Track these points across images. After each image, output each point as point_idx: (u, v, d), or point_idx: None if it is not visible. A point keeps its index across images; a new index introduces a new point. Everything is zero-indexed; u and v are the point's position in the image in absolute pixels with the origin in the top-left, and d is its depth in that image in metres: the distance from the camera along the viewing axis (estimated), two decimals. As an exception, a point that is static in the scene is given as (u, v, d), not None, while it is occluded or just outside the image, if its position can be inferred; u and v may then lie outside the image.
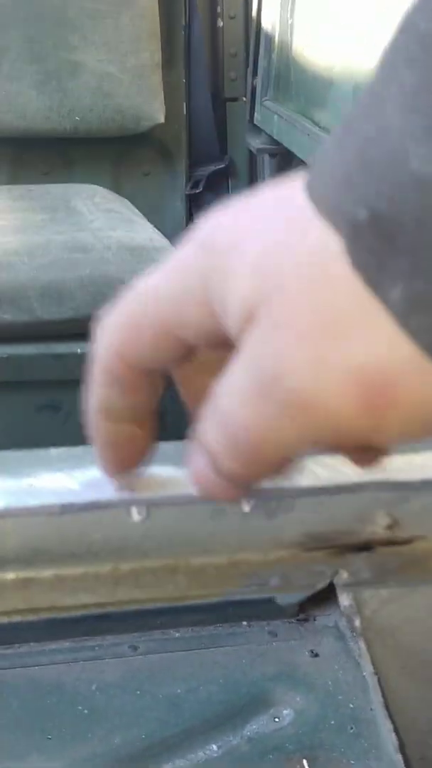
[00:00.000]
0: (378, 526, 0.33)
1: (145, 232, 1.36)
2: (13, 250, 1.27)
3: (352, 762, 0.89)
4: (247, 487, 0.27)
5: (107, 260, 1.25)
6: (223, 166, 1.90)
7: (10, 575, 0.27)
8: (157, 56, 1.71)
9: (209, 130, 1.87)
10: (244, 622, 1.18)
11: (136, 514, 0.28)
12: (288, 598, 0.38)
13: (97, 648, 1.07)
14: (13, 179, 1.75)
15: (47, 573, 0.28)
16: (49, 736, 0.92)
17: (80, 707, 0.98)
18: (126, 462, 0.27)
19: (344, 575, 0.35)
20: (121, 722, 0.95)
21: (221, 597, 0.30)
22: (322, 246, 0.23)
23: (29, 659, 1.02)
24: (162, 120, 1.72)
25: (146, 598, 0.29)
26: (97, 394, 0.28)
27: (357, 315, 0.22)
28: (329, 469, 0.31)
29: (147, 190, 1.82)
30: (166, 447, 0.30)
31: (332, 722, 0.92)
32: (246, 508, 0.30)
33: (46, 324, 1.23)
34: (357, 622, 0.39)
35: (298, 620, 1.10)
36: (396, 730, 0.45)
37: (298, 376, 0.23)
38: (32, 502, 0.26)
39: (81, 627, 1.10)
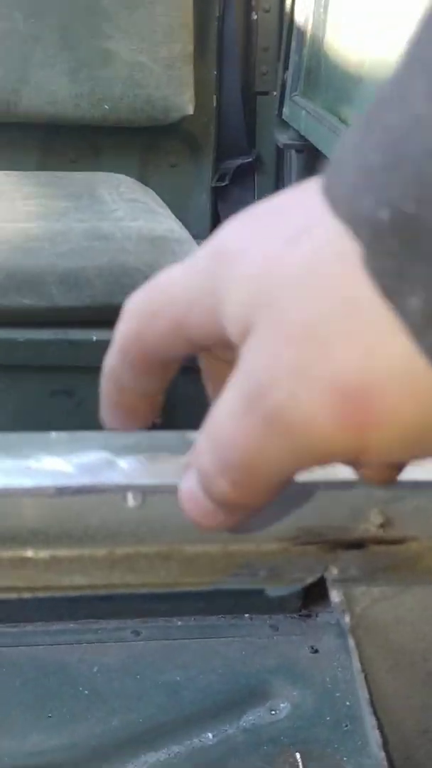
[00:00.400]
0: (371, 524, 0.33)
1: (166, 223, 1.36)
2: (35, 236, 1.28)
3: (345, 758, 0.90)
4: (237, 514, 0.25)
5: (126, 250, 1.26)
6: (250, 159, 1.89)
7: (7, 553, 0.28)
8: (190, 47, 1.71)
9: (238, 123, 1.87)
10: (247, 615, 1.19)
11: (131, 500, 0.29)
12: (278, 590, 0.39)
13: (100, 631, 1.09)
14: (41, 165, 1.76)
15: (43, 553, 0.29)
16: (50, 715, 0.93)
17: (81, 688, 1.00)
18: (126, 423, 0.29)
19: (335, 571, 0.35)
20: (120, 705, 0.96)
21: (212, 586, 0.31)
22: (331, 250, 0.22)
23: (34, 638, 1.04)
24: (191, 112, 1.72)
25: (139, 583, 0.30)
26: (110, 367, 0.29)
27: (351, 322, 0.21)
28: (325, 466, 0.32)
29: (173, 181, 1.82)
30: (163, 436, 0.31)
31: (328, 718, 0.93)
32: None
33: (64, 310, 1.24)
34: (347, 619, 0.39)
35: (300, 616, 1.11)
36: (380, 727, 0.46)
37: (280, 388, 0.22)
38: (28, 483, 0.27)
39: (85, 609, 1.11)
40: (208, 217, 1.88)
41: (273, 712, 0.93)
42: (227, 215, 2.07)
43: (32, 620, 0.97)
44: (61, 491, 0.27)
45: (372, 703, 0.49)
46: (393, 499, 0.33)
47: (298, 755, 0.87)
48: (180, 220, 1.51)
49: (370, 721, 0.49)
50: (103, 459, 0.29)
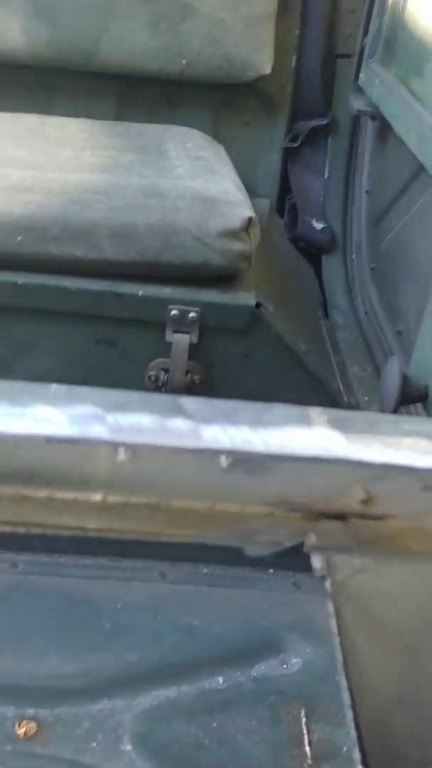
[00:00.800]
0: (353, 499, 0.34)
1: (223, 184, 1.37)
2: (93, 189, 1.32)
3: (347, 717, 0.93)
4: None
5: (179, 209, 1.29)
6: (325, 122, 1.87)
7: (7, 490, 0.32)
8: (272, 6, 1.69)
9: (316, 85, 1.85)
10: (271, 570, 1.22)
11: (122, 454, 0.31)
12: (257, 551, 0.42)
13: (128, 570, 1.14)
14: (118, 115, 1.79)
15: (41, 494, 0.32)
16: (70, 643, 0.99)
17: (103, 621, 1.06)
18: None
19: (314, 538, 0.38)
20: (138, 642, 1.01)
21: (195, 539, 0.34)
22: None
23: (65, 570, 1.10)
24: (268, 71, 1.71)
25: (125, 530, 0.33)
26: None
27: None
28: (312, 441, 0.34)
29: (245, 139, 1.82)
30: (154, 397, 0.33)
31: (337, 678, 0.96)
32: (224, 464, 0.32)
33: (113, 264, 1.28)
34: (327, 585, 0.41)
35: (323, 577, 1.13)
36: (350, 689, 0.48)
37: None
38: (21, 430, 0.30)
39: (116, 547, 1.16)
40: (277, 176, 1.88)
41: (284, 666, 0.97)
42: (296, 176, 2.05)
43: (64, 552, 1.03)
44: (51, 440, 0.30)
45: (345, 666, 0.51)
46: (376, 478, 0.34)
47: (303, 710, 0.91)
48: (249, 178, 1.51)
49: (342, 683, 0.51)
50: (96, 414, 0.32)
